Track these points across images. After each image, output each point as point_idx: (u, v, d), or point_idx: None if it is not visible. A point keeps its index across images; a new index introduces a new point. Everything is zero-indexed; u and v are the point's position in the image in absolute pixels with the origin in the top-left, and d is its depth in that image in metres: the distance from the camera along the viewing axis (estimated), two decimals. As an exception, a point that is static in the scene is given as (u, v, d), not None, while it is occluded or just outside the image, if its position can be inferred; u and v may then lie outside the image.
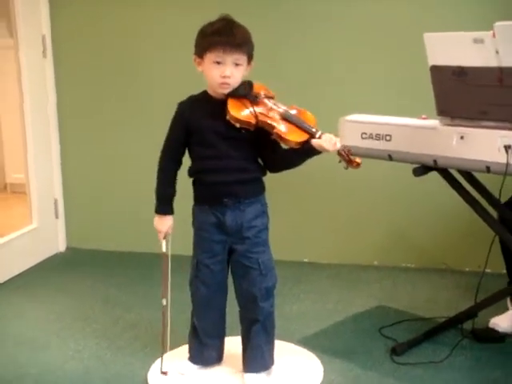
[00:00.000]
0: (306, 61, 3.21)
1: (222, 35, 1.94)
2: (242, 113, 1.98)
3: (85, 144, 3.55)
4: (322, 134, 1.96)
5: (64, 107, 3.52)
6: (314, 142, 1.94)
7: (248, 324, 2.14)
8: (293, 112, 2.03)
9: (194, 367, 2.23)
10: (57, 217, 3.59)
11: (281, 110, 2.02)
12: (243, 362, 2.19)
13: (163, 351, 2.23)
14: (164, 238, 2.13)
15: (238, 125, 1.98)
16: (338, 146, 1.93)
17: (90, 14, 3.42)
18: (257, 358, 2.15)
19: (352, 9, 3.12)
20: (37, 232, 3.43)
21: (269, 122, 1.98)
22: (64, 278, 3.21)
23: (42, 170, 3.46)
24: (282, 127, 1.98)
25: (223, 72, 1.95)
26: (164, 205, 2.11)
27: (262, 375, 2.17)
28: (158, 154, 2.14)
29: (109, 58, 3.44)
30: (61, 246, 3.63)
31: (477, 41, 1.97)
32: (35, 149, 3.38)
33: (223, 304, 2.18)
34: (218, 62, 1.95)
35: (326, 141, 1.93)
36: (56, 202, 3.58)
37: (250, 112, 1.98)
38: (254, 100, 2.02)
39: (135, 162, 3.48)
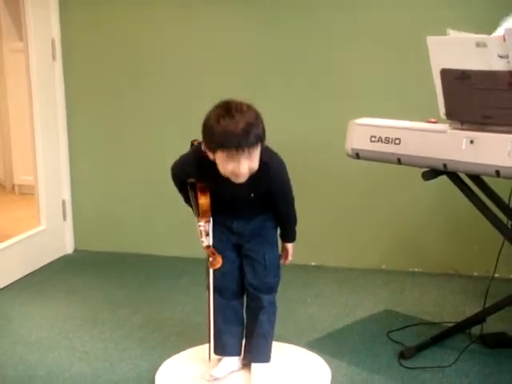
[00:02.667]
0: (315, 65, 3.22)
1: (232, 136, 1.84)
2: None
3: (93, 146, 3.56)
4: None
5: (73, 109, 3.53)
6: None
7: (253, 313, 2.19)
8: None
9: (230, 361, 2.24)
10: (65, 218, 3.60)
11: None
12: (246, 351, 2.22)
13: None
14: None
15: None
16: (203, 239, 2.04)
17: (99, 18, 3.43)
18: (261, 346, 2.19)
19: (360, 13, 3.12)
20: (45, 234, 3.44)
21: None
22: (72, 280, 3.22)
23: (51, 172, 3.47)
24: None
25: (238, 169, 1.89)
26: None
27: (268, 365, 2.20)
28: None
29: (118, 61, 3.45)
30: (69, 248, 3.64)
31: (479, 44, 1.97)
32: (44, 151, 3.39)
33: (238, 290, 2.19)
34: (232, 158, 1.89)
35: None
36: (64, 203, 3.59)
37: None
38: None
39: (144, 164, 3.49)
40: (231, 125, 1.84)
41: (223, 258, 2.10)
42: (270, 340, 2.22)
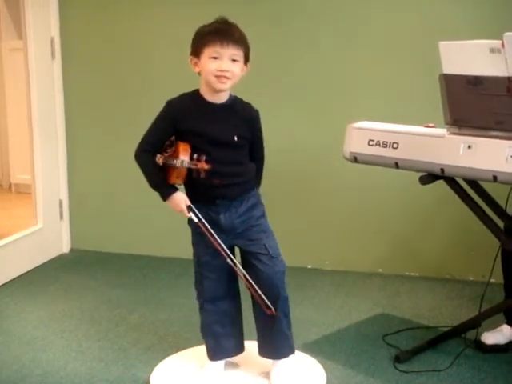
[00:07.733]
0: (314, 68, 3.22)
1: (219, 31, 1.96)
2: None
3: (91, 145, 3.56)
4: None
5: (71, 108, 3.53)
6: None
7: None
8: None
9: (218, 365, 2.22)
10: (61, 218, 3.60)
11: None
12: (264, 348, 2.20)
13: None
14: (188, 211, 2.05)
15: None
16: (185, 164, 1.97)
17: (99, 16, 3.43)
18: (283, 343, 2.16)
19: (361, 17, 3.13)
20: (41, 233, 3.43)
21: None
22: (68, 279, 3.22)
23: (48, 171, 3.47)
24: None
25: (220, 66, 1.95)
26: (166, 188, 2.05)
27: (290, 359, 2.20)
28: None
29: (117, 60, 3.45)
30: (65, 247, 3.64)
31: (493, 50, 1.96)
32: (41, 150, 3.39)
33: (236, 290, 2.17)
34: (215, 58, 1.95)
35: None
36: (61, 203, 3.59)
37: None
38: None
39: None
40: (220, 24, 1.99)
41: (216, 267, 2.08)
42: (291, 334, 2.19)
